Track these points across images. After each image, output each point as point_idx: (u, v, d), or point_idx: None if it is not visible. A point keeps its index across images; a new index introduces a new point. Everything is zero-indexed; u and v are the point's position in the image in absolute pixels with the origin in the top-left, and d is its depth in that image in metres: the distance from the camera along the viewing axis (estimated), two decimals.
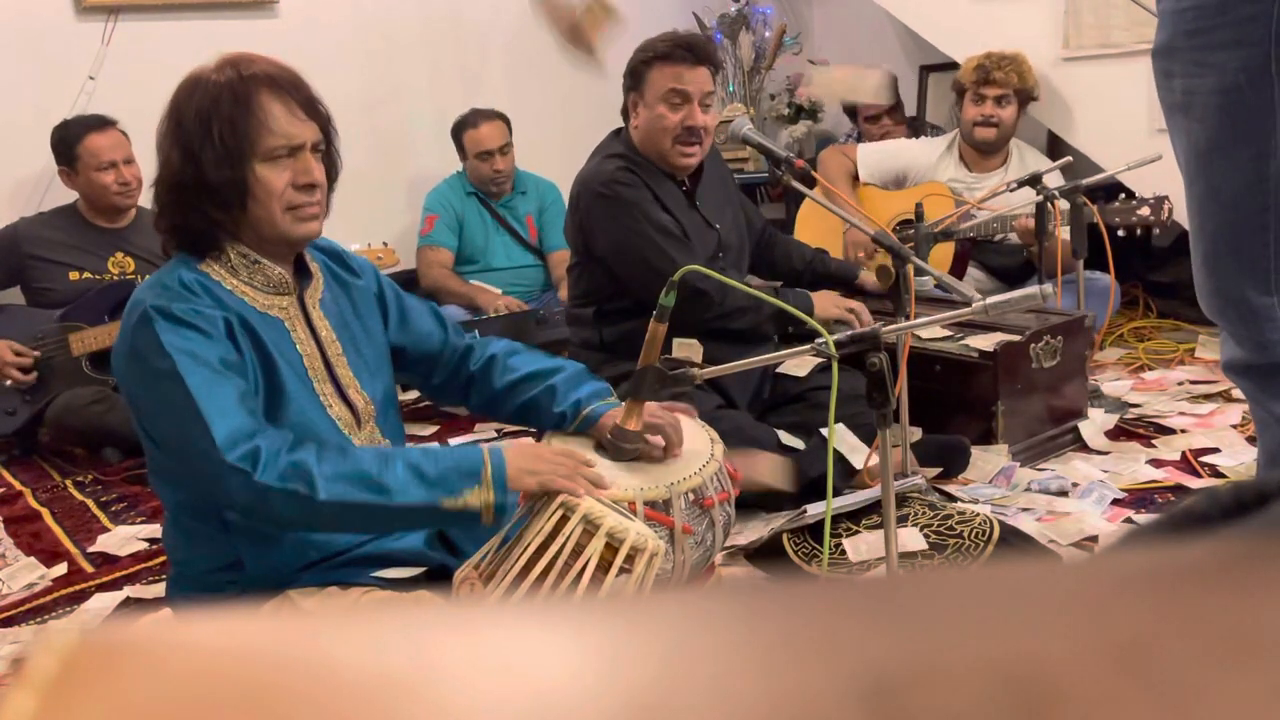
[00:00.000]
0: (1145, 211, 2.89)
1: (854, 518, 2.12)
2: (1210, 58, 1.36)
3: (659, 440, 1.71)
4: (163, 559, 2.25)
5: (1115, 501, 2.25)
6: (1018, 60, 3.42)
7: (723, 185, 2.69)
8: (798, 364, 2.50)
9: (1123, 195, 3.04)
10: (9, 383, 3.05)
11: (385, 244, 3.54)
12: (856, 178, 3.63)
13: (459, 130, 3.86)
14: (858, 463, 2.28)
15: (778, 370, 2.54)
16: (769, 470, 2.21)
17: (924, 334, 2.60)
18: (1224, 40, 1.34)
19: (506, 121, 3.86)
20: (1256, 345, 1.44)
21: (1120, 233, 2.90)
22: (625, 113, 2.56)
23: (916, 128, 4.16)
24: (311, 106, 1.57)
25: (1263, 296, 1.41)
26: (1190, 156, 1.43)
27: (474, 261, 3.85)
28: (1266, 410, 1.48)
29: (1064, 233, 2.84)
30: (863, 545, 2.04)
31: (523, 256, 3.89)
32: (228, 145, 1.50)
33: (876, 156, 3.63)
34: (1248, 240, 1.39)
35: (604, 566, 1.46)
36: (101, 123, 3.22)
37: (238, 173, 1.51)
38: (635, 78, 2.49)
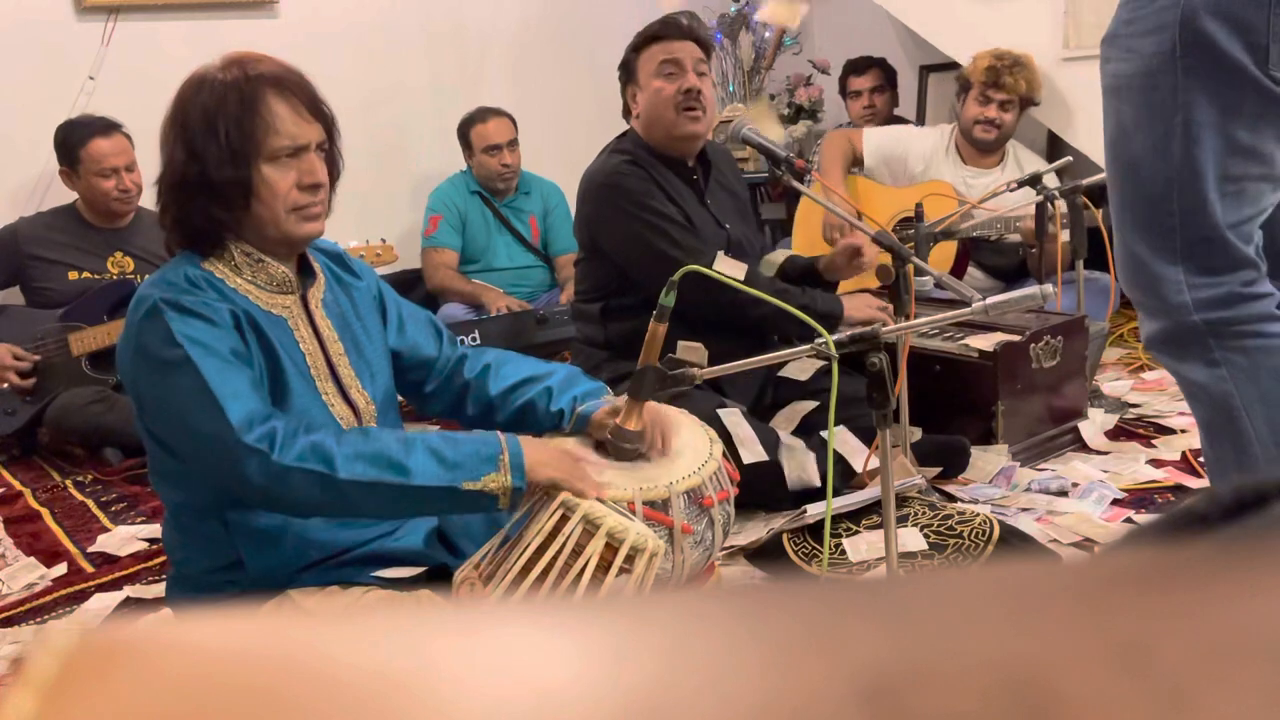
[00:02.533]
0: None
1: (854, 518, 2.12)
2: (1137, 44, 1.47)
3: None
4: (163, 559, 2.25)
5: (1115, 501, 2.25)
6: (1028, 66, 3.41)
7: (735, 194, 2.67)
8: (799, 368, 2.49)
9: None
10: (6, 386, 3.05)
11: (383, 240, 3.54)
12: (857, 162, 3.65)
13: (466, 127, 3.86)
14: (857, 465, 2.28)
15: (780, 374, 2.53)
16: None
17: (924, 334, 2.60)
18: (1147, 28, 1.45)
19: (513, 121, 3.87)
20: (1165, 311, 1.52)
21: None
22: (627, 113, 2.56)
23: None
24: (316, 107, 1.57)
25: (1169, 266, 1.49)
26: (1116, 135, 1.52)
27: (475, 261, 3.85)
28: (1186, 379, 1.55)
29: (1064, 234, 2.84)
30: (863, 545, 2.04)
31: (524, 257, 3.89)
32: (233, 145, 1.50)
33: (879, 140, 3.66)
34: (1156, 211, 1.48)
35: (604, 566, 1.46)
36: (107, 127, 3.21)
37: (242, 172, 1.51)
38: (628, 69, 2.51)
